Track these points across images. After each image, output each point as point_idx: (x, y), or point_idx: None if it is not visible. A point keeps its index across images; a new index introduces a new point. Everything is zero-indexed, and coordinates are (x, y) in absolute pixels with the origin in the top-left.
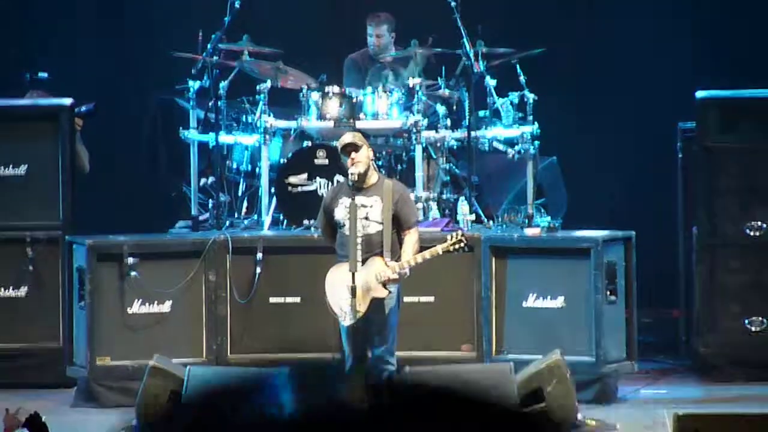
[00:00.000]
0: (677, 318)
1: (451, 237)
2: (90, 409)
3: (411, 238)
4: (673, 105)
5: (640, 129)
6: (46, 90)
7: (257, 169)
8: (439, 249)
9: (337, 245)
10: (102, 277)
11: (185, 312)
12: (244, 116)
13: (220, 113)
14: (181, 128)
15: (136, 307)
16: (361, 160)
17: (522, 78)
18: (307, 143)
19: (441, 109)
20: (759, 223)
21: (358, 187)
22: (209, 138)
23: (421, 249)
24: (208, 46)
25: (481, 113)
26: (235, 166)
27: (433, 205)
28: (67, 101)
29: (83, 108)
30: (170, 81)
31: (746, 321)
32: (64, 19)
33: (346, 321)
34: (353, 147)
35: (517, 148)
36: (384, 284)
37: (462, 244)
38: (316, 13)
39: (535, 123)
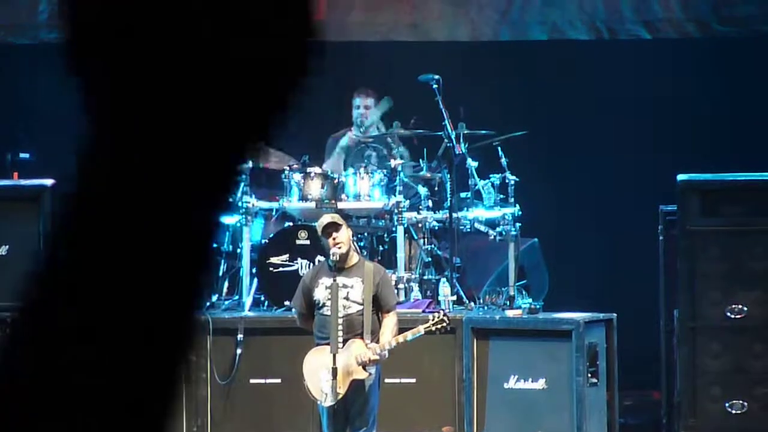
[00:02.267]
0: (659, 400)
1: (434, 317)
2: None
3: (390, 321)
4: (654, 188)
5: (622, 211)
6: (29, 170)
7: (238, 250)
8: (421, 329)
9: (316, 327)
10: None
11: None
12: None
13: None
14: None
15: None
16: (343, 241)
17: (503, 160)
18: (288, 224)
19: (423, 191)
20: (740, 306)
21: (339, 267)
22: None
23: (401, 330)
24: None
25: (463, 195)
26: (215, 246)
27: (415, 286)
28: (49, 182)
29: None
30: None
31: (727, 404)
32: (46, 99)
33: (327, 402)
34: (334, 227)
35: (498, 229)
36: (364, 366)
37: (444, 324)
38: (298, 95)
39: (517, 205)
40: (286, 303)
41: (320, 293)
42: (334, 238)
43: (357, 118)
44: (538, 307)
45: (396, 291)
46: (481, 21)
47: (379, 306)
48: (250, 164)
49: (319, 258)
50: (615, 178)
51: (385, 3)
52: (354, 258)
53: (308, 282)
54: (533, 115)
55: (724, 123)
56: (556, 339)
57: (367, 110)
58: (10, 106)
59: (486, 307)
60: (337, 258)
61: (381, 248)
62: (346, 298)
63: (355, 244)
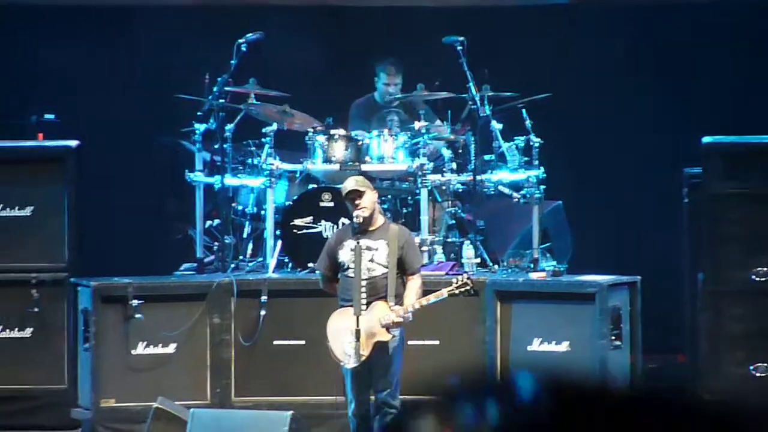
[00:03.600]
0: (683, 363)
1: (457, 280)
2: None
3: (414, 284)
4: (679, 150)
5: (647, 174)
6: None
7: (262, 212)
8: (444, 292)
9: (340, 289)
10: (107, 319)
11: (189, 354)
12: (249, 159)
13: (225, 156)
14: (186, 171)
15: (141, 349)
16: (366, 206)
17: (528, 122)
18: (312, 186)
19: (447, 153)
20: (764, 269)
21: (364, 230)
22: (215, 180)
23: (425, 292)
24: (215, 89)
25: (487, 157)
26: (240, 208)
27: (438, 249)
28: (74, 143)
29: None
30: (176, 124)
31: (751, 367)
32: (71, 61)
33: (350, 364)
34: (357, 194)
35: (522, 192)
36: (388, 328)
37: (467, 287)
38: (323, 57)
39: (541, 167)
40: (310, 265)
41: (345, 255)
42: (357, 204)
43: (382, 92)
44: (561, 269)
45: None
46: None
47: (403, 269)
48: (275, 126)
49: (343, 220)
50: (640, 141)
51: None
52: (379, 220)
53: (333, 244)
54: (558, 77)
55: (750, 85)
56: (579, 302)
57: (396, 87)
58: (34, 68)
59: (509, 270)
60: (361, 221)
61: (405, 210)
62: (371, 261)
63: (379, 206)
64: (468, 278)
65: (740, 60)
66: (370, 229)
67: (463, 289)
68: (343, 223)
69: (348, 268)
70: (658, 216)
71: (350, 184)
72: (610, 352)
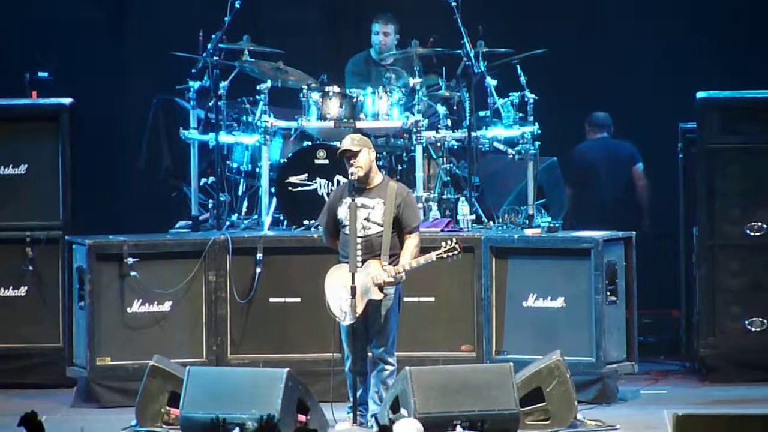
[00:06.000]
0: (677, 317)
1: (446, 244)
2: (90, 409)
3: (411, 242)
4: (674, 105)
5: (641, 129)
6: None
7: (257, 169)
8: (433, 255)
9: (340, 245)
10: (102, 278)
11: (185, 312)
12: (244, 116)
13: (220, 113)
14: (181, 128)
15: (136, 308)
16: (361, 165)
17: (523, 78)
18: (307, 143)
19: (441, 110)
20: (759, 224)
21: (362, 187)
22: (210, 138)
23: (421, 250)
24: (209, 46)
25: (482, 113)
26: (235, 166)
27: (434, 206)
28: (68, 101)
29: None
30: (171, 81)
31: (746, 322)
32: (64, 19)
33: (346, 321)
34: (350, 153)
35: (517, 148)
36: (380, 287)
37: (455, 252)
38: (317, 14)
39: (536, 123)
40: (305, 222)
41: (343, 212)
42: (352, 163)
43: (376, 45)
44: (557, 225)
45: None
46: None
47: (400, 227)
48: (269, 83)
49: (339, 177)
50: (634, 96)
51: None
52: (377, 178)
53: (333, 201)
54: (552, 32)
55: (746, 39)
56: (575, 257)
57: (386, 37)
58: (27, 25)
59: (505, 226)
60: (355, 179)
61: (400, 167)
62: (367, 219)
63: (375, 164)
64: (456, 242)
65: (736, 15)
66: (368, 187)
67: (451, 254)
68: (339, 181)
69: (345, 225)
70: (653, 171)
71: (346, 142)
72: (606, 308)
